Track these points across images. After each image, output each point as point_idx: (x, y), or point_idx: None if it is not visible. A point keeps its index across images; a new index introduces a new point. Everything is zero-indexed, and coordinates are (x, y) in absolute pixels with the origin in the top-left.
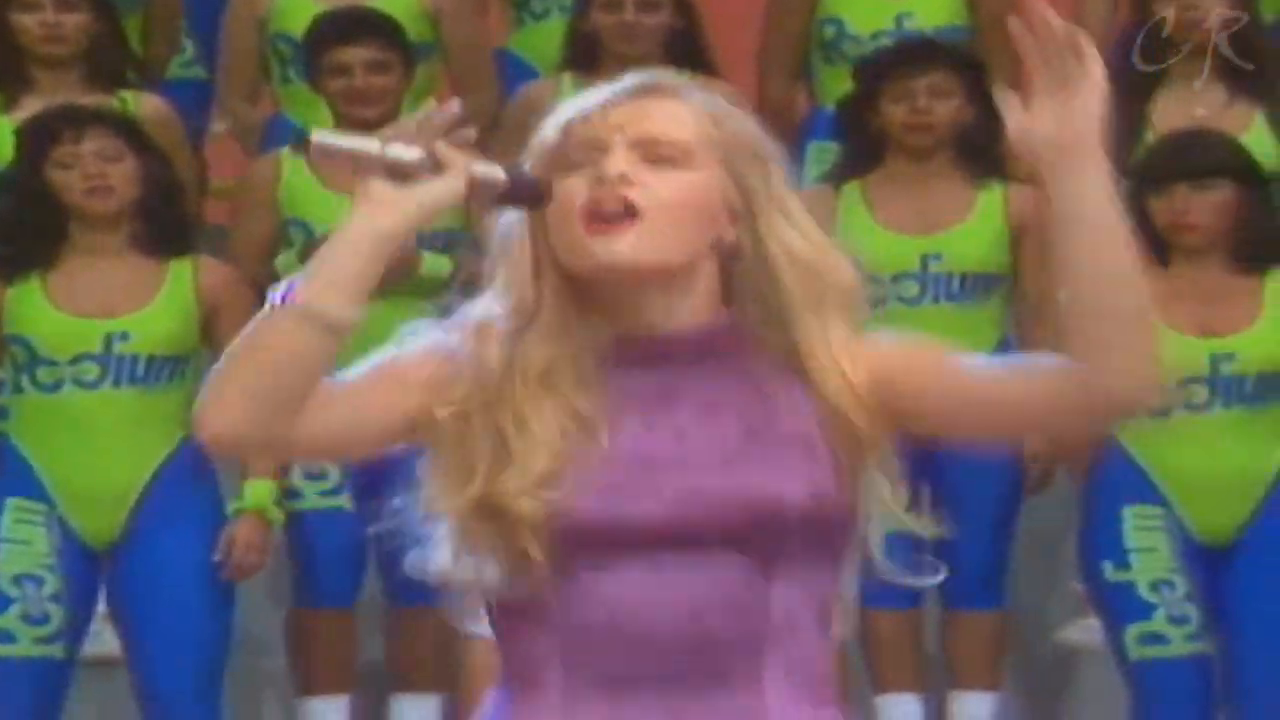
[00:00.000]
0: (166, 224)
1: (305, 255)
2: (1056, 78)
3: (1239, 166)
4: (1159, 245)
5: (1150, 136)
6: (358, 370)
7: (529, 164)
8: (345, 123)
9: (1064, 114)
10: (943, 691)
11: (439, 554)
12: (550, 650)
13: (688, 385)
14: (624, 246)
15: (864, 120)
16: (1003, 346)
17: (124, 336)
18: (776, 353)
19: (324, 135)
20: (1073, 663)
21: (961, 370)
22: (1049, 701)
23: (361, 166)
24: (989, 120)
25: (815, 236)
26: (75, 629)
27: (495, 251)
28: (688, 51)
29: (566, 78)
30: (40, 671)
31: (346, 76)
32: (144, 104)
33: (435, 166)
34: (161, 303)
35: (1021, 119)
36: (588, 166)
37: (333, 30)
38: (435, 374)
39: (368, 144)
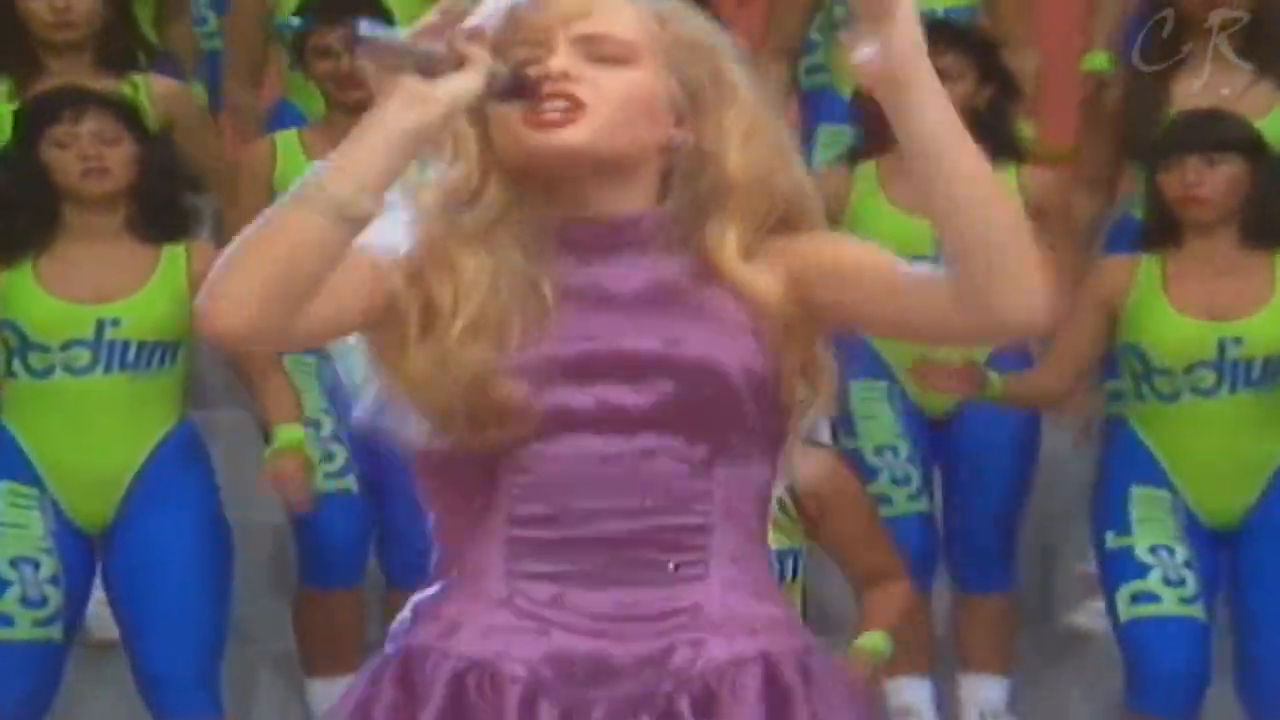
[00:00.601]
0: (161, 209)
1: None
2: (874, 10)
3: (1249, 142)
4: (1171, 224)
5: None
6: None
7: (517, 57)
8: (334, 105)
9: (885, 45)
10: (952, 674)
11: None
12: (491, 540)
13: (626, 272)
14: (566, 136)
15: (875, 102)
16: None
17: (115, 322)
18: (699, 247)
19: (370, 28)
20: (1080, 646)
21: (877, 273)
22: (1056, 684)
23: (397, 63)
24: (1003, 101)
25: (760, 141)
26: (72, 612)
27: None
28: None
29: None
30: (38, 654)
31: (332, 59)
32: (155, 85)
33: (458, 62)
34: (154, 288)
35: (857, 55)
36: (530, 62)
37: (318, 12)
38: (399, 256)
39: (405, 39)
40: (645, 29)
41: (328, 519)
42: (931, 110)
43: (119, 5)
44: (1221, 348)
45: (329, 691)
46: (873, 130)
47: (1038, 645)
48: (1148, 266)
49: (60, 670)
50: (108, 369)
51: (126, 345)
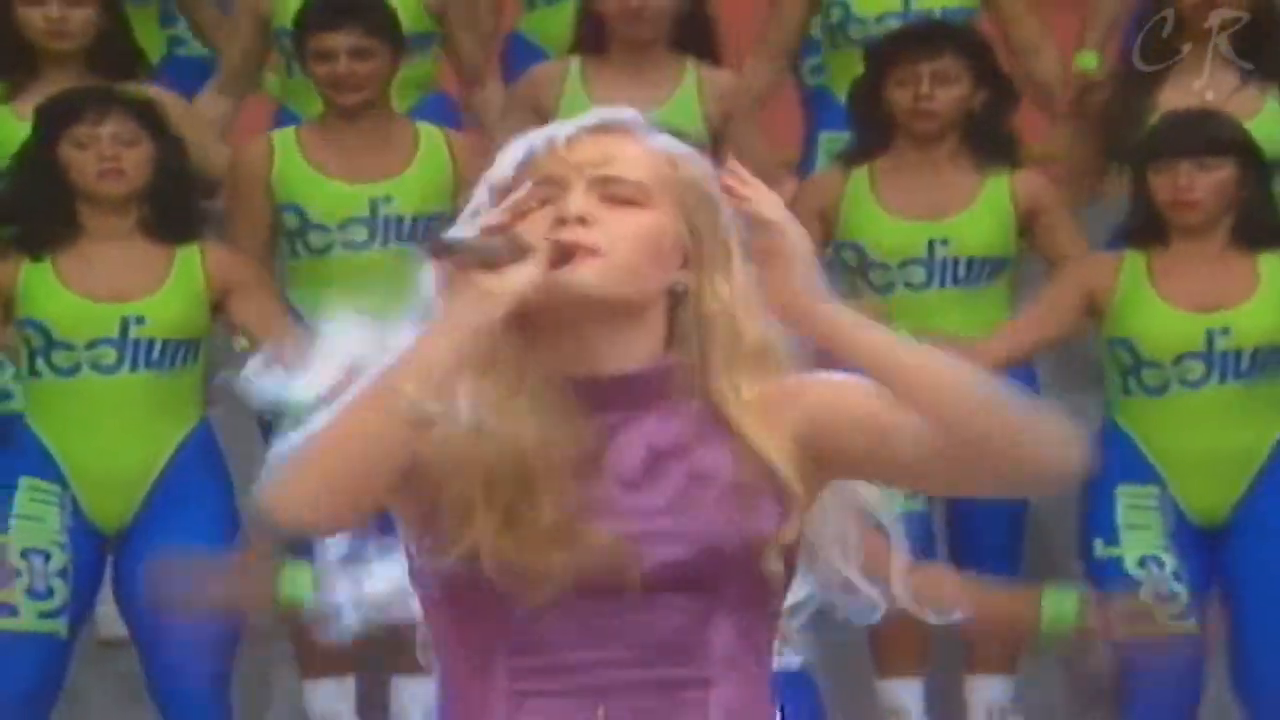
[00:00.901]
0: (176, 211)
1: None
2: (760, 252)
3: (1241, 146)
4: (1157, 222)
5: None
6: None
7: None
8: (331, 107)
9: (772, 286)
10: (944, 676)
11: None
12: (493, 689)
13: (631, 431)
14: (587, 275)
15: (871, 105)
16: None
17: (140, 320)
18: (706, 400)
19: (455, 235)
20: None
21: (886, 426)
22: (1058, 684)
23: (468, 261)
24: (998, 104)
25: (743, 292)
26: (79, 608)
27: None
28: (696, 34)
29: (575, 61)
30: (43, 646)
31: (330, 62)
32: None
33: (517, 252)
34: (172, 287)
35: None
36: (546, 204)
37: (318, 16)
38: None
39: (473, 238)
40: (658, 171)
41: None
42: (860, 336)
43: (114, 15)
44: (1210, 339)
45: (325, 692)
46: (867, 135)
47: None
48: (1132, 261)
49: (65, 666)
50: (134, 367)
51: (151, 343)
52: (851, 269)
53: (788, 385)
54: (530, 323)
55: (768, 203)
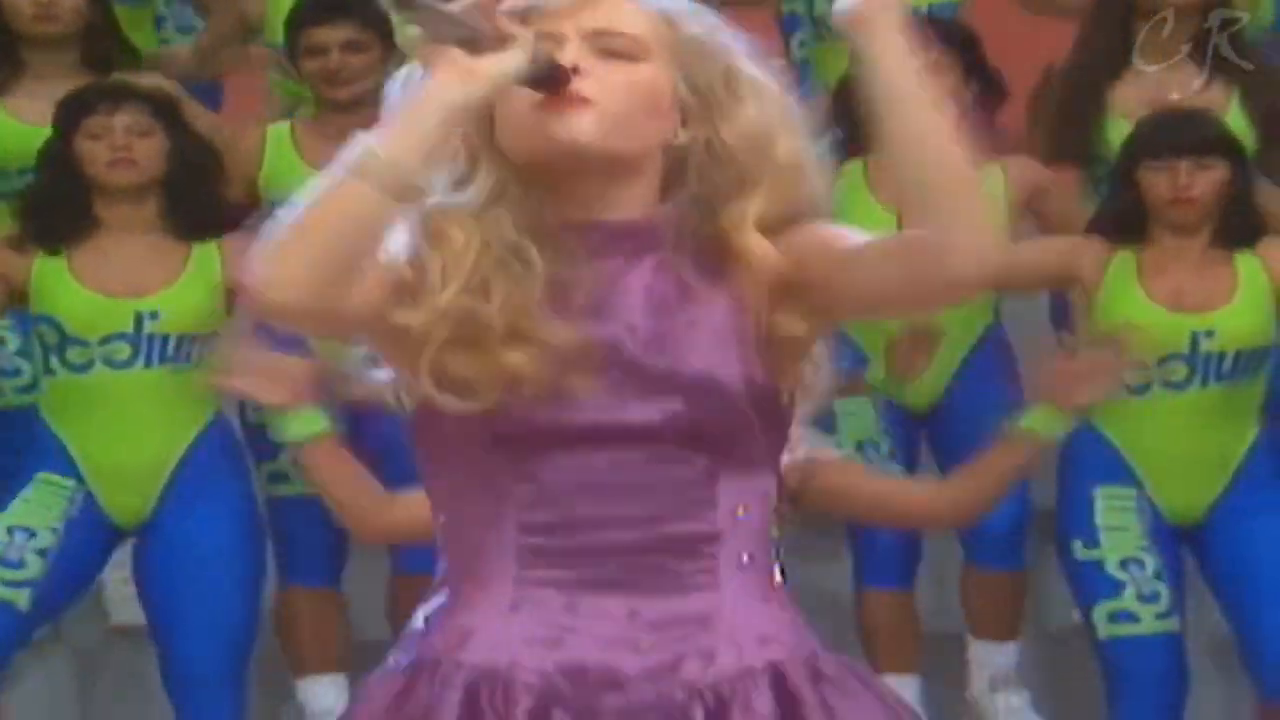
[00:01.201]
0: (192, 204)
1: None
2: None
3: (1234, 147)
4: (1142, 221)
5: (1116, 117)
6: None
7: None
8: (324, 104)
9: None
10: (940, 674)
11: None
12: (504, 547)
13: (629, 277)
14: (584, 125)
15: (854, 104)
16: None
17: (154, 315)
18: (707, 246)
19: None
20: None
21: (847, 249)
22: (1061, 665)
23: (445, 33)
24: (988, 95)
25: (761, 125)
26: (59, 593)
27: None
28: None
29: None
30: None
31: (323, 56)
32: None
33: (502, 41)
34: (188, 280)
35: (837, 4)
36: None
37: (310, 11)
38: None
39: (453, 10)
40: (654, 27)
41: (307, 519)
42: (900, 46)
43: (102, 6)
44: (1194, 340)
45: (317, 690)
46: (855, 129)
47: (1040, 623)
48: (1123, 258)
49: (17, 637)
50: (148, 362)
51: (166, 338)
52: None
53: (786, 238)
54: (526, 168)
55: None
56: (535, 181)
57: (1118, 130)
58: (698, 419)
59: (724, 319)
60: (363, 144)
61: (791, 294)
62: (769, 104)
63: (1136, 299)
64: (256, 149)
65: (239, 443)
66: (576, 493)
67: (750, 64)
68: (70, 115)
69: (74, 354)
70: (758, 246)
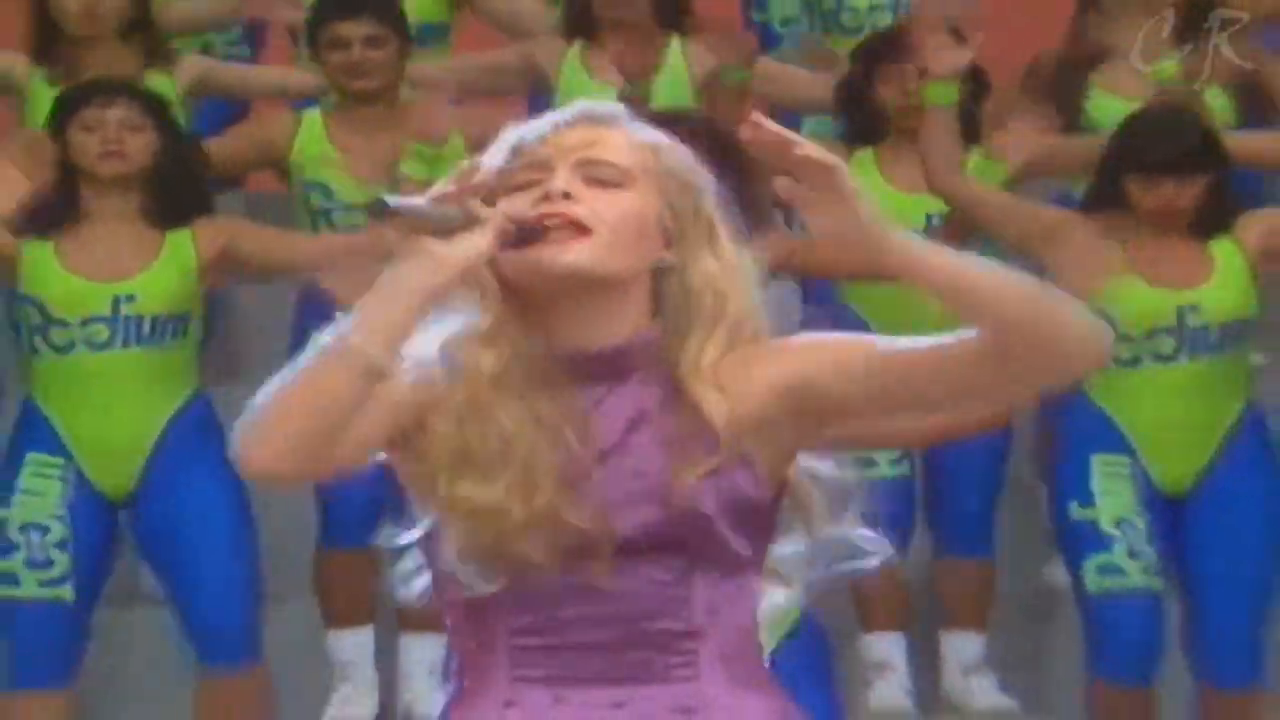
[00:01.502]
0: (174, 196)
1: None
2: (814, 190)
3: (1219, 156)
4: (1124, 214)
5: (1102, 93)
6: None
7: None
8: (344, 94)
9: (839, 220)
10: (925, 631)
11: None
12: (497, 649)
13: (615, 401)
14: (574, 255)
15: (861, 100)
16: None
17: (130, 298)
18: (674, 368)
19: (394, 200)
20: (1052, 601)
21: (880, 351)
22: (1029, 637)
23: (418, 226)
24: (976, 90)
25: (730, 266)
26: (89, 574)
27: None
28: (676, 13)
29: (576, 44)
30: (48, 613)
31: (344, 50)
32: (186, 69)
33: (471, 223)
34: (163, 265)
35: (816, 228)
36: (534, 186)
37: (333, 7)
38: (419, 391)
39: (423, 204)
40: (639, 156)
41: (346, 486)
42: (909, 249)
43: (144, 3)
44: (1180, 315)
45: (346, 642)
46: (859, 126)
47: (1010, 601)
48: (1109, 242)
49: (80, 628)
50: (125, 343)
51: (140, 320)
52: None
53: (768, 345)
54: (520, 301)
55: (809, 146)
56: (535, 315)
57: (1102, 106)
58: (671, 529)
59: (706, 435)
60: (337, 329)
61: (778, 413)
62: (726, 246)
63: (1128, 277)
64: (289, 132)
65: (217, 420)
66: (560, 596)
67: (716, 204)
68: (66, 108)
69: (56, 335)
70: (702, 391)
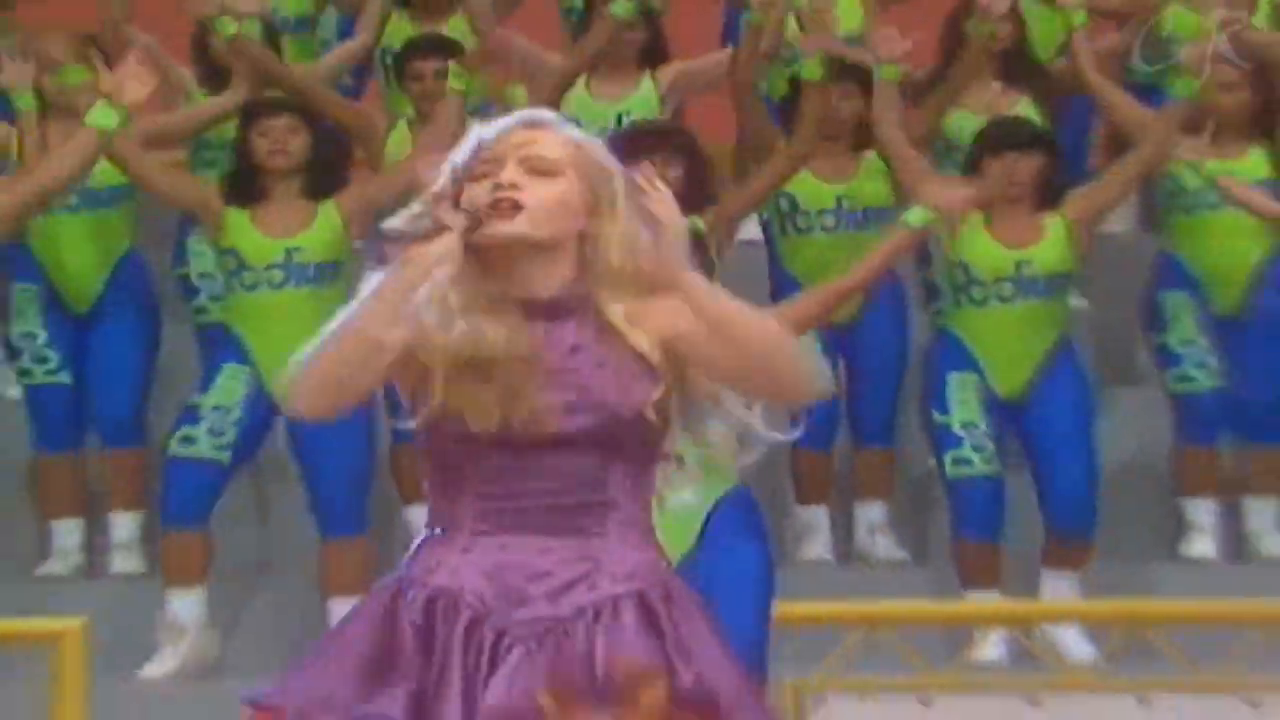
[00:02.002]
0: (324, 179)
1: None
2: (650, 232)
3: (1047, 141)
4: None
5: (959, 111)
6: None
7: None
8: (420, 112)
9: (657, 257)
10: (842, 503)
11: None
12: (465, 508)
13: (558, 334)
14: (519, 224)
15: (794, 117)
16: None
17: (299, 250)
18: (598, 310)
19: (390, 229)
20: (932, 480)
21: (701, 339)
22: (916, 507)
23: (407, 240)
24: (868, 104)
25: (631, 236)
26: (245, 449)
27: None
28: (654, 51)
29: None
30: (211, 468)
31: (420, 81)
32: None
33: (441, 229)
34: (319, 225)
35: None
36: (489, 176)
37: (412, 48)
38: (413, 334)
39: (406, 224)
40: (567, 152)
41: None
42: (706, 298)
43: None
44: (1018, 267)
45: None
46: (800, 129)
47: (908, 480)
48: (974, 214)
49: (222, 485)
50: (295, 284)
51: (306, 266)
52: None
53: (649, 303)
54: (483, 259)
55: (658, 202)
56: (489, 269)
57: (959, 121)
58: (598, 430)
59: (622, 361)
60: (353, 315)
61: (667, 357)
62: (624, 220)
63: (983, 239)
64: (386, 127)
65: None
66: (515, 475)
67: (622, 187)
68: (248, 118)
69: (247, 278)
70: (628, 332)
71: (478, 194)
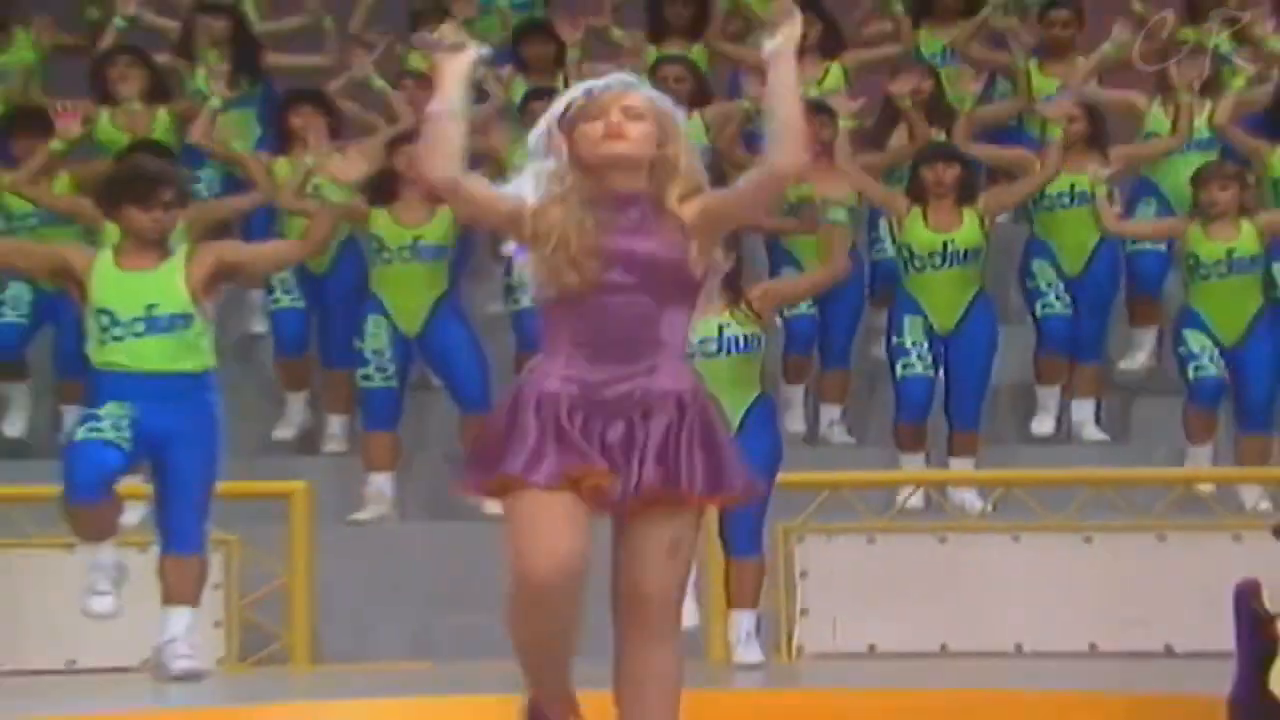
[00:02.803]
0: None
1: None
2: (776, 21)
3: (963, 157)
4: (923, 193)
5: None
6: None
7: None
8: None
9: (778, 37)
10: (816, 407)
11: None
12: (565, 337)
13: (631, 214)
14: (623, 147)
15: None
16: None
17: (420, 236)
18: (661, 203)
19: (423, 38)
20: (878, 378)
21: (731, 193)
22: (870, 403)
23: (438, 52)
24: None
25: (686, 153)
26: (402, 374)
27: (538, 150)
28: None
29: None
30: (389, 393)
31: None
32: None
33: (460, 48)
34: (438, 219)
35: (766, 47)
36: (600, 118)
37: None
38: (520, 199)
39: (436, 40)
40: (649, 105)
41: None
42: (790, 70)
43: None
44: (945, 245)
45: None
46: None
47: (863, 379)
48: (915, 210)
49: (399, 400)
50: (421, 260)
51: (425, 248)
52: None
53: (701, 195)
54: (590, 166)
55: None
56: (590, 173)
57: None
58: (654, 279)
59: (673, 231)
60: (432, 106)
61: (702, 223)
62: (683, 146)
63: (920, 225)
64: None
65: (462, 306)
66: (598, 318)
67: (680, 125)
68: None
69: (386, 254)
70: (679, 209)
71: (592, 129)
